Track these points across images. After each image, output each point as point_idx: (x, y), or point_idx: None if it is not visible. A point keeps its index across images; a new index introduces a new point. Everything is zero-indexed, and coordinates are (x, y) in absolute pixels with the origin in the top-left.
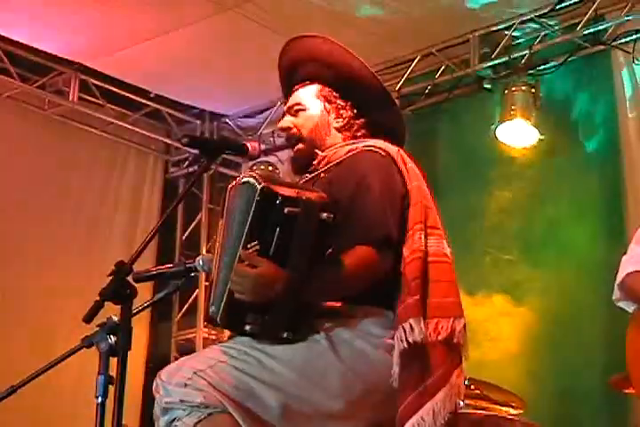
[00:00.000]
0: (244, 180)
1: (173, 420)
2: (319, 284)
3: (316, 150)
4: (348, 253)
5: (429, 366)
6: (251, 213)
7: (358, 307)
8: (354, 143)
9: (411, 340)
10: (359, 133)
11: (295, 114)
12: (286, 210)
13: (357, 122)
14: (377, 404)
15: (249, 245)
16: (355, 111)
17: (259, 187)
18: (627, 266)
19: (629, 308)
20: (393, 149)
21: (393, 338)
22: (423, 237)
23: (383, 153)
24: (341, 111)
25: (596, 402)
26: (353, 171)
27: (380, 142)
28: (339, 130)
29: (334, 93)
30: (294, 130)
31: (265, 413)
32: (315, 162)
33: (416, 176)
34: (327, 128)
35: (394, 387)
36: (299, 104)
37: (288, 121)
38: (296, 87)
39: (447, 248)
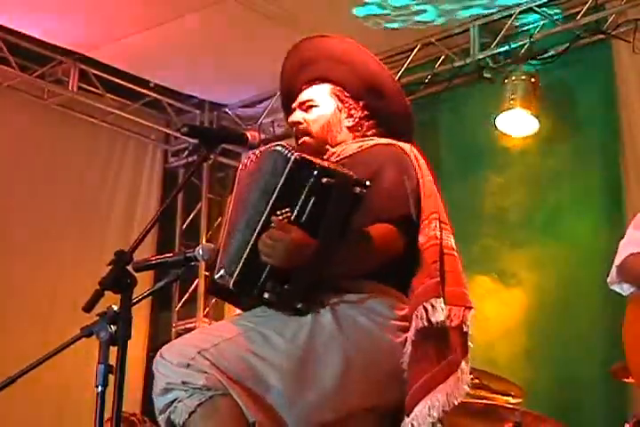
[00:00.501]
0: (274, 148)
1: (174, 400)
2: (341, 257)
3: (327, 146)
4: (370, 229)
5: (443, 349)
6: (282, 180)
7: (366, 282)
8: (364, 140)
9: (433, 320)
10: (369, 133)
11: (307, 110)
12: (324, 180)
13: (368, 123)
14: (375, 383)
15: (279, 212)
16: (365, 112)
17: (291, 156)
18: (627, 248)
19: (624, 291)
20: (406, 145)
21: (400, 320)
22: (439, 227)
23: (397, 147)
24: (352, 111)
25: (595, 390)
26: (369, 161)
27: (391, 140)
28: (349, 129)
29: (346, 93)
30: (304, 125)
31: (266, 392)
32: (325, 157)
33: (428, 172)
34: (338, 126)
35: (397, 369)
36: (311, 100)
37: (299, 116)
38: (305, 86)
39: (455, 245)
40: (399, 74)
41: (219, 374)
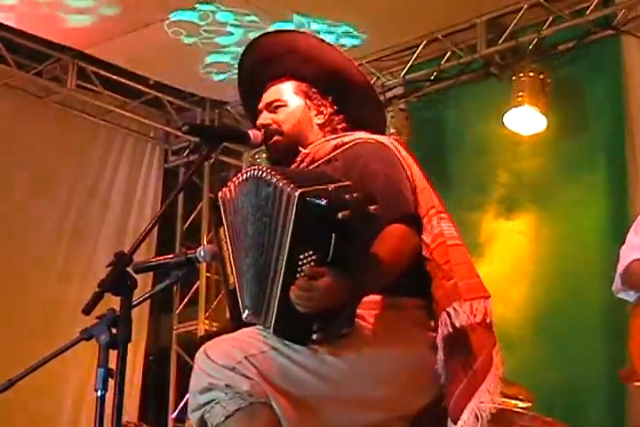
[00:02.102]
0: (258, 175)
1: (212, 400)
2: (375, 274)
3: (299, 147)
4: (384, 235)
5: (473, 349)
6: (292, 221)
7: (404, 299)
8: (338, 137)
9: (457, 324)
10: (339, 127)
11: (274, 110)
12: (340, 215)
13: (337, 118)
14: (413, 392)
15: (301, 256)
16: (335, 108)
17: (292, 192)
18: (629, 254)
19: (630, 298)
20: (383, 138)
21: (433, 331)
22: (439, 221)
23: (376, 142)
24: (322, 108)
25: (601, 394)
26: (353, 162)
27: (365, 133)
28: (320, 126)
29: (312, 89)
30: (274, 126)
31: (309, 404)
32: (298, 159)
33: (412, 162)
34: (309, 124)
35: (433, 376)
36: (278, 100)
37: (268, 117)
38: (269, 84)
39: (456, 232)
40: (405, 70)
41: (263, 382)
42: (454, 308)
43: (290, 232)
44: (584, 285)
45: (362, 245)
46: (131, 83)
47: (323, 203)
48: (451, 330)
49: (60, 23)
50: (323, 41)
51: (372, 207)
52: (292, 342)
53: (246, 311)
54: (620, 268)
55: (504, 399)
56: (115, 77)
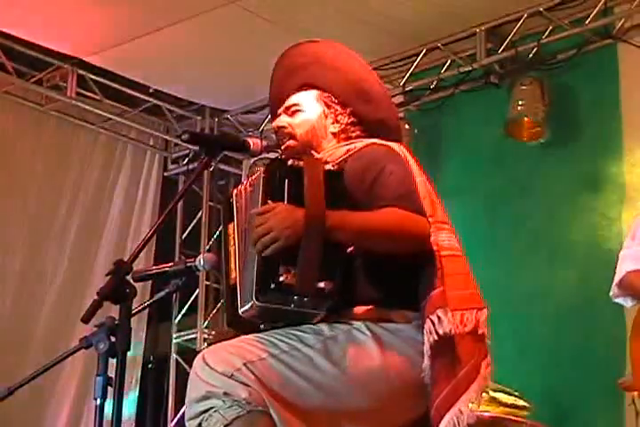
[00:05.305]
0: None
1: (210, 408)
2: (349, 225)
3: (312, 151)
4: (387, 209)
5: (460, 357)
6: (261, 185)
7: (395, 311)
8: (351, 143)
9: (441, 331)
10: (354, 135)
11: (292, 114)
12: (289, 161)
13: (354, 128)
14: (410, 402)
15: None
16: (352, 119)
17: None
18: (625, 263)
19: (627, 304)
20: (394, 144)
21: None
22: (434, 231)
23: (387, 147)
24: (339, 117)
25: (596, 401)
26: (367, 163)
27: (378, 140)
28: (334, 135)
29: (333, 99)
30: (289, 129)
31: (308, 412)
32: None
33: (419, 171)
34: (324, 132)
35: (423, 384)
36: (297, 105)
37: (284, 120)
38: (293, 92)
39: (458, 242)
40: (404, 79)
41: (262, 390)
42: (438, 315)
43: (261, 193)
44: (585, 290)
45: (316, 190)
46: (130, 91)
47: (281, 159)
48: (436, 338)
49: (60, 31)
50: (347, 51)
51: (330, 165)
52: (269, 300)
53: (245, 305)
54: (617, 278)
55: (502, 408)
56: (114, 85)
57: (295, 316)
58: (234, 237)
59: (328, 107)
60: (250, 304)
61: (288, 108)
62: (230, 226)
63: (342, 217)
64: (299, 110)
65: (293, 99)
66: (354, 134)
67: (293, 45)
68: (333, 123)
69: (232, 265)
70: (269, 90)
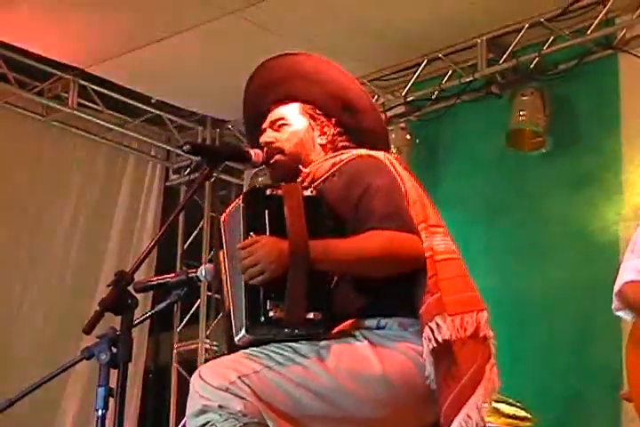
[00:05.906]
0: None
1: (207, 423)
2: (332, 255)
3: (300, 166)
4: (373, 233)
5: (462, 362)
6: (241, 217)
7: (390, 318)
8: (336, 155)
9: (440, 338)
10: (341, 145)
11: (278, 129)
12: (268, 191)
13: (341, 138)
14: (415, 411)
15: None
16: (338, 129)
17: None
18: (624, 274)
19: (628, 316)
20: (379, 153)
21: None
22: (428, 235)
23: (371, 158)
24: (325, 129)
25: (591, 407)
26: (351, 180)
27: (362, 150)
28: (323, 147)
29: (317, 111)
30: (277, 144)
31: (306, 423)
32: (299, 179)
33: (408, 177)
34: (311, 144)
35: (429, 392)
36: (283, 119)
37: (271, 135)
38: (274, 106)
39: (453, 245)
40: (406, 89)
41: (257, 402)
42: (437, 323)
43: (242, 224)
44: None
45: (297, 218)
46: (132, 101)
47: (259, 188)
48: (435, 345)
49: (61, 42)
50: (327, 62)
51: (309, 191)
52: (260, 332)
53: (239, 333)
54: (616, 288)
55: (504, 419)
56: (116, 96)
57: (290, 340)
58: (224, 265)
59: (313, 119)
60: (242, 334)
61: (273, 122)
62: (221, 253)
63: (325, 248)
64: (285, 124)
65: (277, 112)
66: (341, 144)
67: (269, 59)
68: (320, 135)
69: (225, 293)
70: (244, 105)
